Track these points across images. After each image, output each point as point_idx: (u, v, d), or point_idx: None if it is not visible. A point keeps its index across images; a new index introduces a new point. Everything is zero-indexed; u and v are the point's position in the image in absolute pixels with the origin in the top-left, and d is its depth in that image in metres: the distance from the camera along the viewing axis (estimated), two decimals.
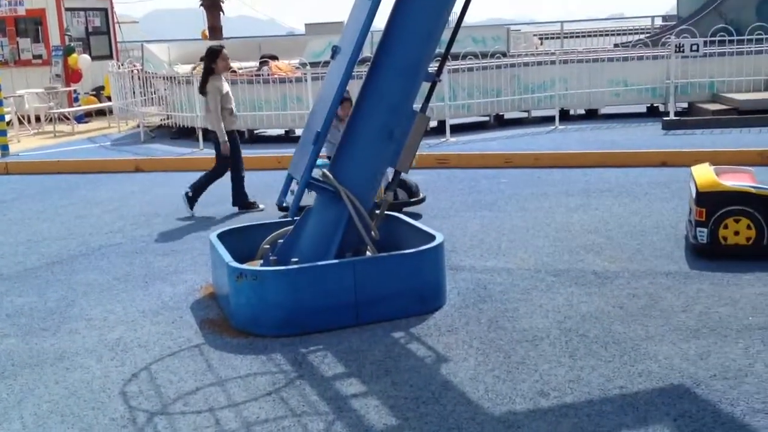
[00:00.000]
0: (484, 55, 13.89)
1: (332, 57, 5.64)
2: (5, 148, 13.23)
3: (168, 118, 15.00)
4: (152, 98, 15.52)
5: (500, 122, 14.26)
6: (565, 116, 14.15)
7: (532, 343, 4.76)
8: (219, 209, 8.90)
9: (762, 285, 5.48)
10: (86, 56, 18.56)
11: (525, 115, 14.65)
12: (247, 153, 12.27)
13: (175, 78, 14.63)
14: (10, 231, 8.41)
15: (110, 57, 19.57)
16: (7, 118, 14.49)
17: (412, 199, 8.08)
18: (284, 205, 6.06)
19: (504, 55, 14.46)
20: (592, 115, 14.50)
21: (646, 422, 3.74)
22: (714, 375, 4.19)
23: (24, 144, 14.71)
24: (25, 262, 7.13)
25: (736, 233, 6.03)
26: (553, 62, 13.66)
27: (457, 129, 13.16)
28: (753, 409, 3.81)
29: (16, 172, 12.28)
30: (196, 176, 9.08)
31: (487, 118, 14.19)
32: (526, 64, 13.99)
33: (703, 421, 3.74)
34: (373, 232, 5.63)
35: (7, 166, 12.44)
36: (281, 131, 14.31)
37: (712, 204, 6.06)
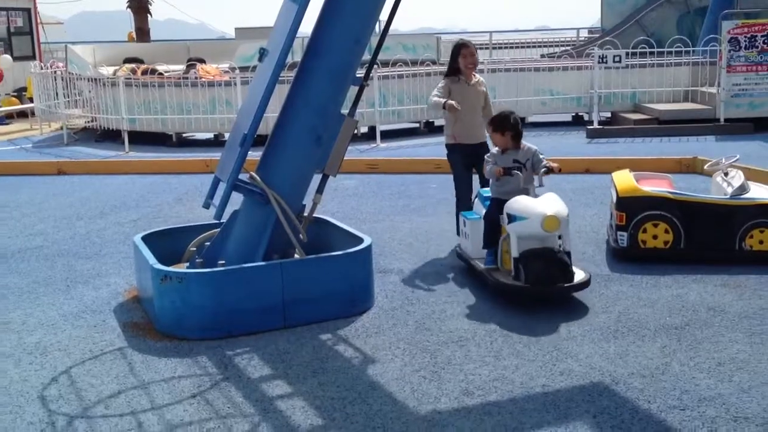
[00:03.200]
0: (414, 63, 14.02)
1: (260, 60, 5.61)
2: None
3: (92, 121, 14.67)
4: (76, 100, 15.14)
5: (430, 129, 14.40)
6: None
7: (458, 344, 4.83)
8: (145, 212, 8.73)
9: (678, 287, 5.68)
10: (7, 56, 18.02)
11: None
12: (174, 156, 12.13)
13: (99, 80, 14.32)
14: None
15: (33, 58, 19.05)
16: None
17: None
18: (210, 207, 5.98)
19: (434, 62, 14.61)
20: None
21: (566, 419, 3.83)
22: (632, 373, 4.32)
23: None
24: None
25: (655, 237, 6.24)
26: (481, 71, 13.87)
27: (388, 135, 13.25)
28: (669, 405, 3.94)
29: None
30: (121, 179, 8.88)
31: (417, 125, 14.32)
32: None
33: (621, 417, 3.85)
34: (301, 235, 5.61)
35: None
36: (210, 135, 14.15)
37: (632, 209, 6.25)
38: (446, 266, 6.43)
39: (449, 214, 8.19)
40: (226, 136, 13.60)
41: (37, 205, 9.38)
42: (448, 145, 6.80)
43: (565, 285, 5.31)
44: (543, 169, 5.64)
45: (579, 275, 5.40)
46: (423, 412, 3.98)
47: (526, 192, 5.64)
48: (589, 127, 13.24)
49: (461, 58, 6.59)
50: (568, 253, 5.40)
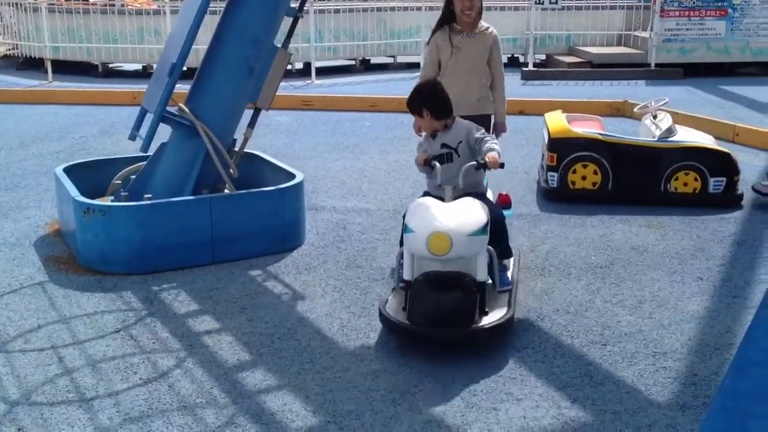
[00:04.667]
0: None
1: None
2: None
3: (14, 48, 14.01)
4: None
5: (366, 67, 14.23)
6: None
7: (388, 281, 4.83)
8: (68, 143, 8.43)
9: (604, 227, 5.80)
10: None
11: (391, 60, 14.68)
12: (100, 87, 11.71)
13: (21, 5, 13.62)
14: None
15: None
16: None
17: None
18: (136, 139, 5.80)
19: None
20: None
21: (489, 354, 3.88)
22: (557, 310, 4.41)
23: None
24: None
25: (584, 178, 6.32)
26: (419, 8, 13.71)
27: (323, 72, 13.03)
28: (591, 340, 4.04)
29: None
30: (43, 110, 8.54)
31: (353, 62, 14.13)
32: (392, 9, 13.98)
33: (544, 351, 3.93)
34: (231, 170, 5.50)
35: None
36: (137, 66, 13.68)
37: (563, 149, 6.31)
38: (378, 205, 6.41)
39: (383, 152, 8.16)
40: (155, 67, 13.21)
41: None
42: None
43: (463, 330, 3.77)
44: (472, 163, 4.12)
45: (494, 315, 3.87)
46: (352, 347, 3.99)
47: (468, 184, 4.21)
48: (524, 68, 13.27)
49: (456, 0, 5.01)
50: (481, 285, 3.87)
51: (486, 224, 3.86)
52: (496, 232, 4.05)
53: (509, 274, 4.37)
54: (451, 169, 4.20)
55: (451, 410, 3.38)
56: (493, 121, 5.19)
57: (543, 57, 14.60)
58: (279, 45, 5.59)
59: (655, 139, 6.41)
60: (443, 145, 4.25)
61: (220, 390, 3.55)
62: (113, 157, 6.56)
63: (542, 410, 3.39)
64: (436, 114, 4.26)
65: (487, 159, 4.06)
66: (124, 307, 4.41)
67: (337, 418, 3.31)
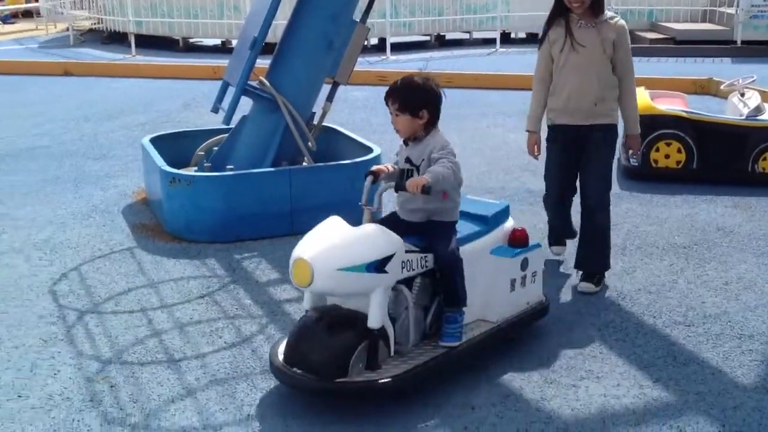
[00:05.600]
0: None
1: None
2: None
3: (99, 23, 14.41)
4: (82, 1, 14.83)
5: (441, 42, 14.15)
6: (506, 39, 14.12)
7: None
8: (152, 116, 8.66)
9: (688, 207, 5.66)
10: None
11: (466, 36, 14.56)
12: (182, 61, 11.96)
13: None
14: None
15: None
16: None
17: None
18: (219, 112, 5.92)
19: None
20: (533, 38, 14.49)
21: (571, 331, 3.86)
22: (639, 289, 4.34)
23: None
24: None
25: (667, 156, 6.18)
26: None
27: (398, 47, 13.02)
28: (674, 321, 3.97)
29: None
30: (127, 83, 8.79)
31: (428, 38, 14.07)
32: None
33: (626, 330, 3.88)
34: (310, 143, 5.56)
35: None
36: (217, 41, 13.90)
37: (646, 127, 6.14)
38: None
39: (457, 128, 8.12)
40: (234, 43, 13.43)
41: (44, 105, 9.30)
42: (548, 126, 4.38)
43: (322, 381, 3.09)
44: (390, 184, 3.40)
45: (388, 371, 3.15)
46: None
47: (426, 210, 3.44)
48: None
49: None
50: (372, 333, 3.15)
51: (377, 261, 3.09)
52: (444, 275, 3.38)
53: (463, 329, 3.43)
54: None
55: (530, 385, 3.38)
56: (621, 133, 4.31)
57: None
58: (357, 20, 5.61)
59: (743, 117, 6.21)
60: (407, 160, 3.46)
61: None
62: (196, 129, 6.70)
63: (623, 389, 3.35)
64: (402, 112, 3.38)
65: (412, 183, 3.22)
66: (208, 274, 4.54)
67: (418, 390, 3.34)
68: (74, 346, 3.67)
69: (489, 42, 13.84)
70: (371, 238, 3.18)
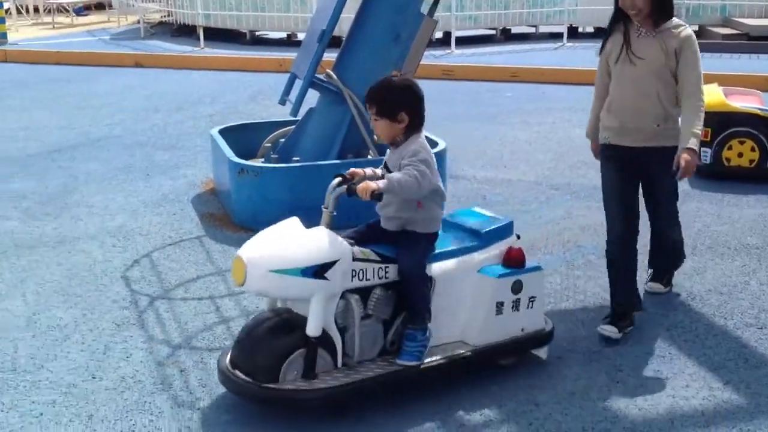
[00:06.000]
0: None
1: None
2: (3, 36, 12.99)
3: (169, 15, 14.70)
4: None
5: (507, 36, 14.02)
6: (573, 33, 13.91)
7: (530, 253, 4.76)
8: (220, 107, 8.82)
9: (762, 207, 5.51)
10: None
11: (533, 30, 14.40)
12: (249, 54, 12.13)
13: None
14: (9, 118, 8.33)
15: None
16: (6, 6, 14.17)
17: None
18: (286, 104, 5.99)
19: None
20: (601, 33, 14.23)
21: (640, 331, 3.80)
22: (709, 290, 4.25)
23: (22, 34, 14.43)
24: (25, 148, 7.10)
25: (740, 155, 6.02)
26: None
27: (463, 41, 12.95)
28: (745, 323, 3.88)
29: (15, 60, 12.08)
30: (196, 75, 8.96)
31: (493, 32, 13.95)
32: None
33: (696, 332, 3.81)
34: (375, 135, 5.57)
35: (5, 53, 12.24)
36: (283, 34, 14.04)
37: (718, 124, 6.01)
38: (519, 176, 6.36)
39: (524, 123, 8.06)
40: (300, 36, 13.55)
41: (115, 95, 9.55)
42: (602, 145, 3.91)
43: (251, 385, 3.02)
44: (342, 188, 3.19)
45: (326, 382, 3.04)
46: None
47: (399, 218, 3.26)
48: None
49: None
50: (309, 340, 3.01)
51: (315, 266, 2.97)
52: (405, 288, 3.20)
53: (425, 349, 3.20)
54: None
55: (596, 384, 3.34)
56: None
57: (695, 28, 13.89)
58: (425, 12, 5.61)
59: None
60: (385, 166, 3.33)
61: None
62: (263, 120, 6.80)
63: (692, 390, 3.29)
64: (380, 116, 3.21)
65: (364, 187, 3.05)
66: None
67: (477, 383, 3.34)
68: (145, 331, 3.78)
69: (556, 36, 13.66)
70: (313, 243, 3.04)
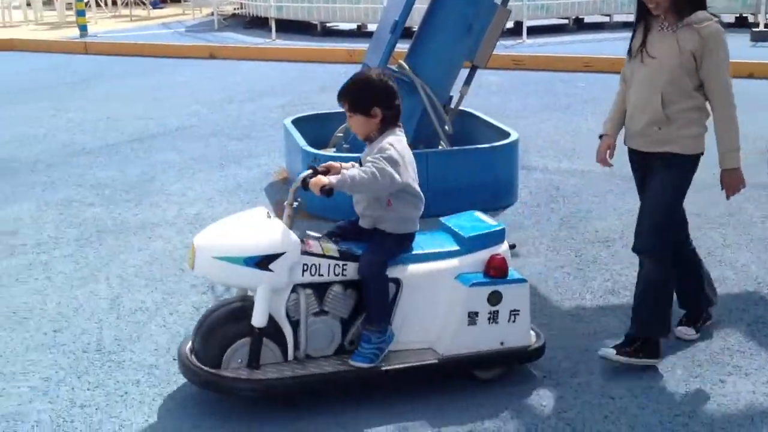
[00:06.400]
0: None
1: None
2: (84, 28, 13.41)
3: (241, 8, 14.94)
4: None
5: (579, 26, 13.81)
6: None
7: (604, 244, 4.74)
8: (291, 98, 8.93)
9: None
10: None
11: (606, 19, 14.14)
12: (319, 45, 12.25)
13: None
14: (90, 108, 8.62)
15: None
16: None
17: None
18: None
19: None
20: None
21: (718, 325, 3.72)
22: None
23: (101, 26, 14.87)
24: (106, 138, 7.34)
25: None
26: None
27: (534, 31, 12.81)
28: None
29: (95, 52, 12.47)
30: (268, 66, 9.09)
31: (565, 21, 13.75)
32: None
33: None
34: (447, 126, 5.59)
35: (86, 45, 12.64)
36: (353, 25, 14.12)
37: None
38: (592, 167, 6.25)
39: (597, 114, 7.93)
40: (370, 26, 13.62)
41: (190, 86, 9.77)
42: None
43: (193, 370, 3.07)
44: (297, 182, 3.13)
45: (265, 374, 3.03)
46: (566, 306, 3.98)
47: (370, 216, 3.23)
48: (754, 29, 12.28)
49: None
50: (255, 330, 3.01)
51: (258, 257, 2.96)
52: (365, 292, 3.12)
53: (381, 352, 3.11)
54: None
55: (673, 378, 3.29)
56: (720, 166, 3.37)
57: (731, 19, 13.41)
58: (498, 2, 5.58)
59: None
60: (360, 162, 3.26)
61: None
62: (334, 111, 6.84)
63: None
64: (352, 105, 3.20)
65: (316, 182, 3.00)
66: None
67: (553, 374, 3.33)
68: None
69: (629, 25, 13.37)
70: (261, 234, 3.03)
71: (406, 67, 5.48)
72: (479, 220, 3.42)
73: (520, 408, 3.10)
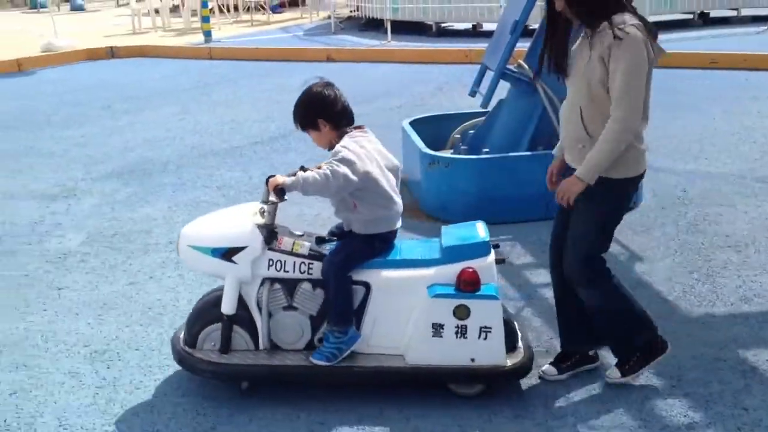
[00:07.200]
0: None
1: None
2: (208, 34, 13.92)
3: (357, 10, 15.15)
4: None
5: (705, 20, 13.25)
6: None
7: (735, 249, 4.54)
8: (407, 99, 8.99)
9: None
10: None
11: (734, 13, 13.51)
12: (434, 46, 12.26)
13: None
14: (215, 112, 8.95)
15: None
16: (210, 5, 15.17)
17: None
18: (476, 95, 6.00)
19: None
20: None
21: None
22: None
23: (224, 32, 15.40)
24: (230, 141, 7.61)
25: None
26: None
27: (658, 27, 12.36)
28: None
29: (219, 57, 12.92)
30: (384, 68, 9.16)
31: (690, 16, 13.23)
32: None
33: None
34: None
35: (210, 51, 13.13)
36: (468, 25, 14.06)
37: None
38: (721, 168, 6.00)
39: (726, 112, 7.60)
40: (485, 26, 13.53)
41: None
42: None
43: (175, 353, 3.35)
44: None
45: (234, 359, 3.23)
46: (696, 314, 3.83)
47: (342, 219, 3.38)
48: None
49: None
50: (223, 317, 3.23)
51: (223, 249, 3.16)
52: (326, 291, 3.19)
53: (340, 352, 3.16)
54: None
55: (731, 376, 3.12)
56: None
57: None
58: None
59: None
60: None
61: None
62: (451, 112, 6.85)
63: None
64: (301, 125, 3.38)
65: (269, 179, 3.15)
66: None
67: (683, 384, 3.21)
68: None
69: (759, 20, 12.73)
70: (229, 227, 3.25)
71: (526, 66, 5.41)
72: (471, 231, 3.31)
73: (648, 417, 3.00)
